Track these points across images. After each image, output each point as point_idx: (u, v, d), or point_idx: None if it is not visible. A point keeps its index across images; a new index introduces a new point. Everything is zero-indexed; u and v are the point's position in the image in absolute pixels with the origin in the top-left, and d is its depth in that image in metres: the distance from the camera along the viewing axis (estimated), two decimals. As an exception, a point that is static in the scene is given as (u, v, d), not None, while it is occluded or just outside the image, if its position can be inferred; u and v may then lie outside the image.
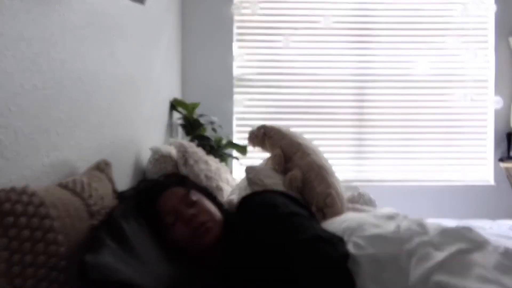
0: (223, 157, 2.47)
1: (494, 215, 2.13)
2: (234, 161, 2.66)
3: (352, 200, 1.89)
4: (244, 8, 2.87)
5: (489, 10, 2.86)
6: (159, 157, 1.84)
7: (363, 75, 2.93)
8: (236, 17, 2.88)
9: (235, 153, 2.62)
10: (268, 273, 1.01)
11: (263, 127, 1.87)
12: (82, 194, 0.99)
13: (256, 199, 1.17)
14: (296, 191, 1.65)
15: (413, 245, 1.01)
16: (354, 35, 2.94)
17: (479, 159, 2.96)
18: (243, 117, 2.91)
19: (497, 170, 2.87)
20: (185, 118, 2.53)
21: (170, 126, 2.53)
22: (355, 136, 2.95)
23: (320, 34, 2.92)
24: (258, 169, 1.80)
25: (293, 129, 1.95)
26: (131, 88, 1.74)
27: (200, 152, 1.92)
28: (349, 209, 1.75)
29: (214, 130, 2.59)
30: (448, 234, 1.06)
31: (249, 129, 1.92)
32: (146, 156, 1.91)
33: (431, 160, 2.95)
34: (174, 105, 2.52)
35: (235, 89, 2.90)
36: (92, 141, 1.33)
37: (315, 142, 1.97)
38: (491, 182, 2.89)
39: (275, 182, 1.67)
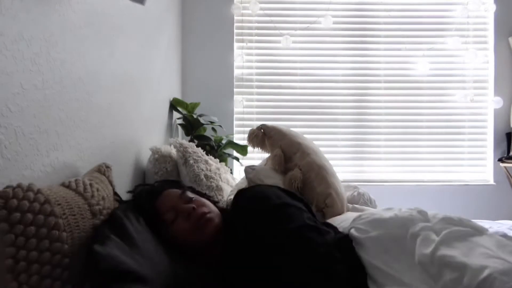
0: (223, 157, 2.47)
1: (494, 215, 2.13)
2: (234, 161, 2.66)
3: (352, 200, 1.89)
4: (244, 8, 2.87)
5: (489, 10, 2.86)
6: (159, 157, 1.84)
7: (363, 75, 2.94)
8: (236, 17, 2.89)
9: (235, 153, 2.62)
10: (264, 268, 1.02)
11: (263, 127, 1.87)
12: (85, 194, 1.00)
13: (249, 193, 1.19)
14: (296, 191, 1.65)
15: (416, 229, 1.05)
16: (354, 35, 2.94)
17: (479, 159, 2.96)
18: (243, 117, 2.92)
19: (497, 170, 2.87)
20: (185, 118, 2.53)
21: (170, 126, 2.53)
22: (355, 136, 2.95)
23: (320, 34, 2.92)
24: (258, 169, 1.80)
25: (293, 129, 1.95)
26: (131, 88, 1.74)
27: (200, 152, 1.92)
28: (349, 209, 1.76)
29: (214, 130, 2.59)
30: (449, 221, 1.09)
31: (249, 129, 1.93)
32: (146, 156, 1.91)
33: (431, 160, 2.95)
34: (174, 105, 2.52)
35: (235, 89, 2.90)
36: (92, 141, 1.33)
37: (315, 142, 1.97)
38: (491, 182, 2.89)
39: (275, 182, 1.67)
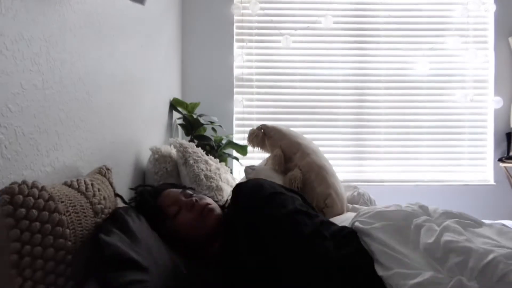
0: (223, 157, 2.47)
1: (494, 215, 2.13)
2: (234, 161, 2.66)
3: (352, 200, 1.89)
4: (244, 8, 2.87)
5: (489, 10, 2.86)
6: (159, 157, 1.84)
7: (363, 75, 2.94)
8: (236, 17, 2.89)
9: (235, 153, 2.62)
10: (262, 258, 1.03)
11: (263, 127, 1.87)
12: (87, 193, 1.02)
13: (244, 184, 1.21)
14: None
15: (420, 221, 1.08)
16: (354, 35, 2.94)
17: (479, 159, 2.96)
18: (243, 117, 2.92)
19: (497, 170, 2.87)
20: (185, 118, 2.53)
21: (170, 126, 2.53)
22: (355, 136, 2.95)
23: (320, 34, 2.92)
24: (258, 169, 1.81)
25: (293, 129, 1.95)
26: (131, 88, 1.74)
27: (200, 152, 1.92)
28: (349, 209, 1.76)
29: (214, 130, 2.59)
30: (449, 215, 1.13)
31: (249, 129, 1.93)
32: (146, 156, 1.91)
33: (431, 160, 2.95)
34: (174, 105, 2.52)
35: (235, 89, 2.90)
36: (92, 141, 1.33)
37: (315, 142, 1.97)
38: (491, 182, 2.89)
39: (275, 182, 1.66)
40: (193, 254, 1.16)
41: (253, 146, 1.89)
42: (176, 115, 2.59)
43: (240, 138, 2.79)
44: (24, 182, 0.84)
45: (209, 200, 1.23)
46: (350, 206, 1.80)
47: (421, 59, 2.89)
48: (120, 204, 1.19)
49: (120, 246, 0.90)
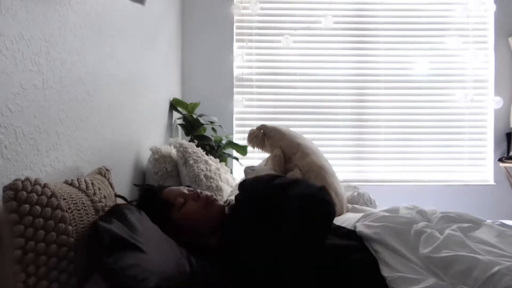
0: (223, 157, 2.47)
1: (494, 215, 2.13)
2: (234, 161, 2.66)
3: (352, 200, 1.89)
4: (244, 8, 2.87)
5: (489, 10, 2.86)
6: (159, 157, 1.84)
7: (363, 75, 2.94)
8: (236, 17, 2.89)
9: (235, 153, 2.62)
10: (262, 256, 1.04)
11: (262, 127, 1.87)
12: (87, 191, 1.03)
13: (247, 180, 1.28)
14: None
15: (419, 227, 1.09)
16: (354, 35, 2.94)
17: (479, 159, 2.96)
18: (243, 117, 2.92)
19: (497, 170, 2.87)
20: (185, 118, 2.53)
21: (170, 126, 2.53)
22: (355, 136, 2.95)
23: (320, 34, 2.92)
24: (258, 170, 1.80)
25: (292, 129, 1.95)
26: (131, 88, 1.74)
27: (200, 152, 1.92)
28: (348, 210, 1.76)
29: (214, 130, 2.59)
30: (448, 219, 1.14)
31: (249, 129, 1.92)
32: (146, 156, 1.91)
33: (431, 160, 2.95)
34: (174, 105, 2.52)
35: (235, 89, 2.90)
36: (92, 141, 1.33)
37: (315, 142, 1.97)
38: (491, 182, 2.89)
39: (275, 182, 1.66)
40: (194, 245, 1.17)
41: (253, 146, 1.89)
42: (176, 115, 2.59)
43: (240, 138, 2.79)
44: (27, 179, 0.85)
45: (210, 193, 1.29)
46: (350, 206, 1.80)
47: (421, 59, 2.89)
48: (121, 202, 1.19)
49: (118, 232, 0.90)
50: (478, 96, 2.92)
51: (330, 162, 1.86)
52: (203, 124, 2.50)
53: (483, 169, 2.95)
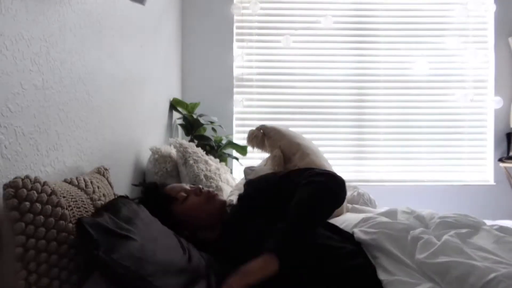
0: (223, 157, 2.47)
1: (494, 215, 2.13)
2: (234, 161, 2.66)
3: (352, 200, 1.88)
4: (244, 8, 2.87)
5: (489, 10, 2.86)
6: (159, 157, 1.84)
7: (363, 75, 2.94)
8: (236, 17, 2.89)
9: (235, 153, 2.62)
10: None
11: (262, 127, 1.87)
12: (86, 189, 1.03)
13: (254, 178, 1.34)
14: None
15: (416, 233, 1.09)
16: (354, 35, 2.94)
17: (479, 159, 2.96)
18: (243, 117, 2.92)
19: (497, 170, 2.87)
20: (185, 118, 2.53)
21: (170, 126, 2.53)
22: (355, 136, 2.95)
23: (320, 34, 2.92)
24: (258, 170, 1.80)
25: (292, 129, 1.95)
26: (131, 88, 1.74)
27: (200, 152, 1.92)
28: (348, 210, 1.75)
29: (214, 130, 2.59)
30: (446, 225, 1.14)
31: (249, 129, 1.92)
32: (146, 156, 1.91)
33: (431, 160, 2.95)
34: (174, 105, 2.52)
35: (235, 89, 2.90)
36: (92, 141, 1.33)
37: (315, 142, 1.97)
38: (491, 182, 2.89)
39: (275, 182, 1.66)
40: (194, 238, 1.18)
41: (253, 146, 1.89)
42: (176, 115, 2.59)
43: (240, 138, 2.79)
44: (27, 177, 0.85)
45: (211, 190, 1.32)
46: (350, 206, 1.79)
47: (420, 59, 2.89)
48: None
49: (104, 223, 0.89)
50: (478, 96, 2.92)
51: (330, 162, 1.86)
52: (203, 124, 2.50)
53: (483, 169, 2.95)
